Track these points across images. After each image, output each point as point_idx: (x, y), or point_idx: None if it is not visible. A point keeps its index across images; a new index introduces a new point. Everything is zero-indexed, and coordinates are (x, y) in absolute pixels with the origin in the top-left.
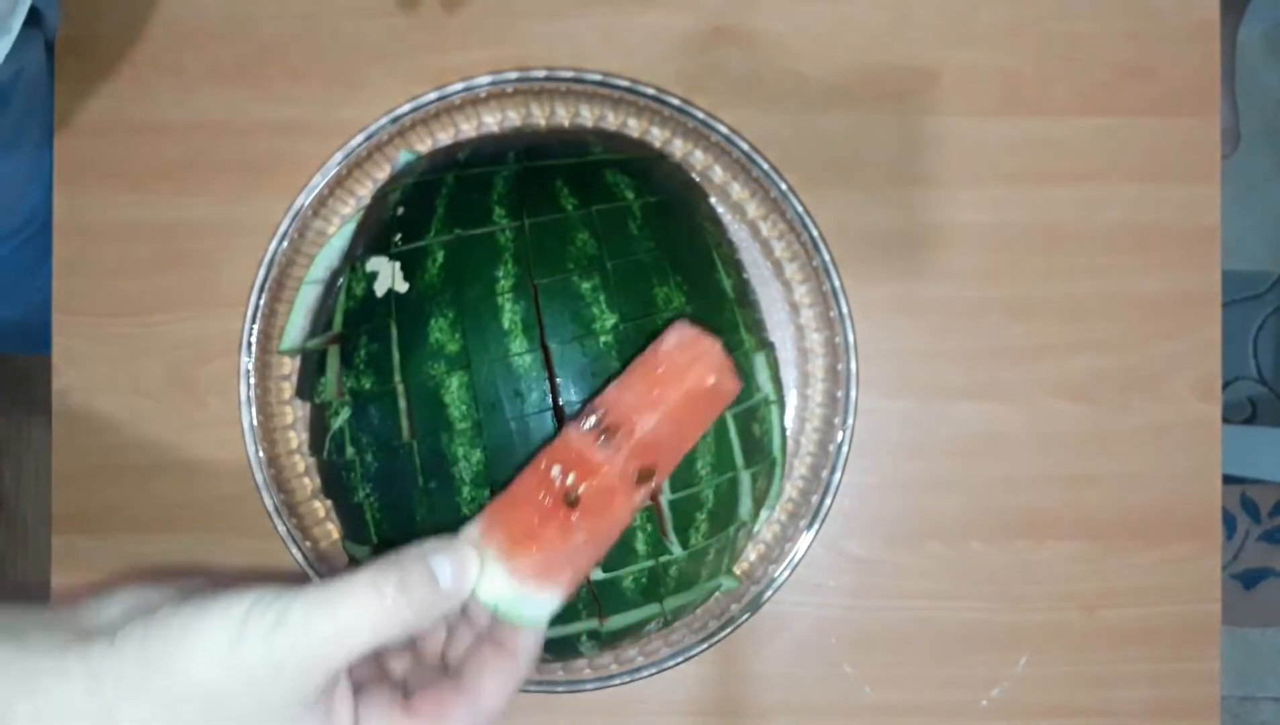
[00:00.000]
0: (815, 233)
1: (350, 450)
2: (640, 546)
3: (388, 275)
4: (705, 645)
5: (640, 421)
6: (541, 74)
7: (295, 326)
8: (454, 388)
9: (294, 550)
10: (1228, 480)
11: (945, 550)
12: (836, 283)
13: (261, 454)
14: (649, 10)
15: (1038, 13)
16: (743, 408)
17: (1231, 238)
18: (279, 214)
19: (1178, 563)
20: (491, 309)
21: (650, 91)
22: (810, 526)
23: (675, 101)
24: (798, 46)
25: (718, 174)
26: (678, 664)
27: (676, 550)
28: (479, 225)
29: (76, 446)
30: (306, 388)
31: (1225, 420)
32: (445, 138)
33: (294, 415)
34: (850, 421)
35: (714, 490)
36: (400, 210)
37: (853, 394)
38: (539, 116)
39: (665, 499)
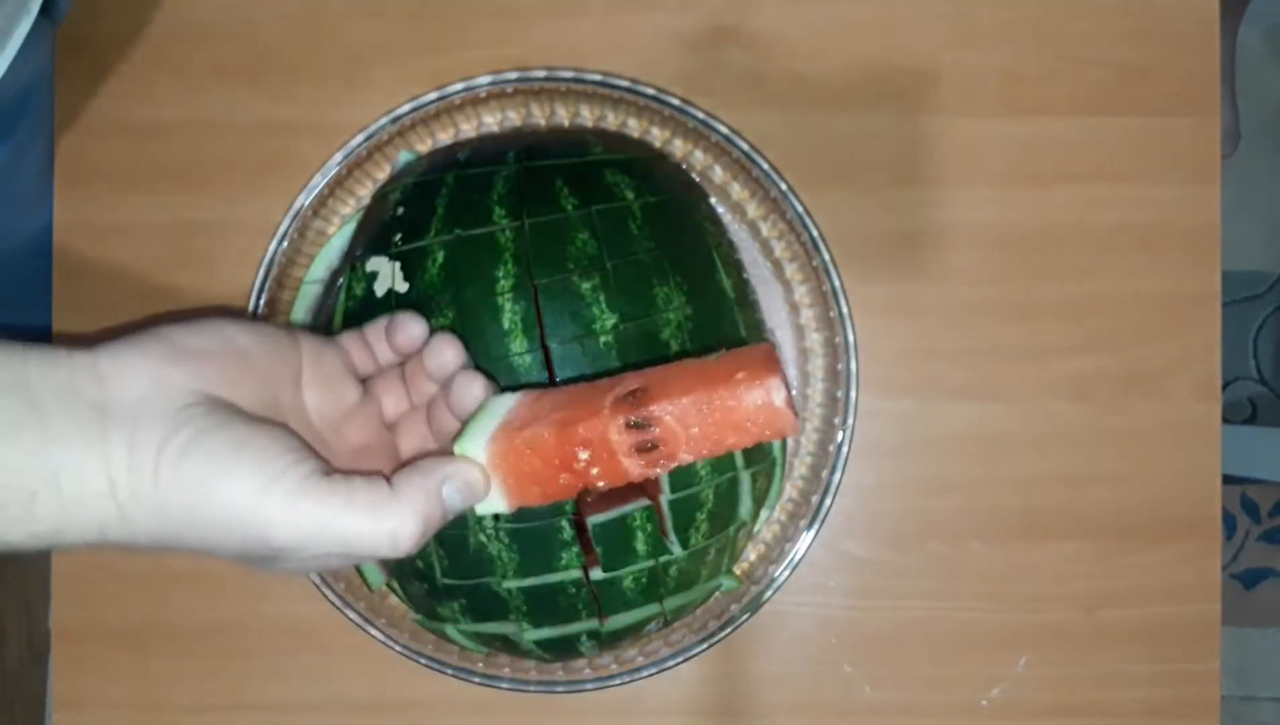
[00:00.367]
0: (815, 233)
1: None
2: (640, 546)
3: (388, 275)
4: (705, 645)
5: (682, 455)
6: (541, 74)
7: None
8: None
9: None
10: (1228, 480)
11: (945, 550)
12: (836, 283)
13: None
14: (649, 10)
15: (1038, 13)
16: None
17: (1231, 238)
18: (279, 214)
19: (1178, 563)
20: (491, 309)
21: (650, 91)
22: (810, 526)
23: (675, 101)
24: (798, 46)
25: (718, 174)
26: (678, 664)
27: (676, 550)
28: (479, 225)
29: None
30: None
31: (1225, 420)
32: (445, 138)
33: None
34: (850, 421)
35: (714, 490)
36: (400, 210)
37: (853, 394)
38: (539, 116)
39: (665, 499)
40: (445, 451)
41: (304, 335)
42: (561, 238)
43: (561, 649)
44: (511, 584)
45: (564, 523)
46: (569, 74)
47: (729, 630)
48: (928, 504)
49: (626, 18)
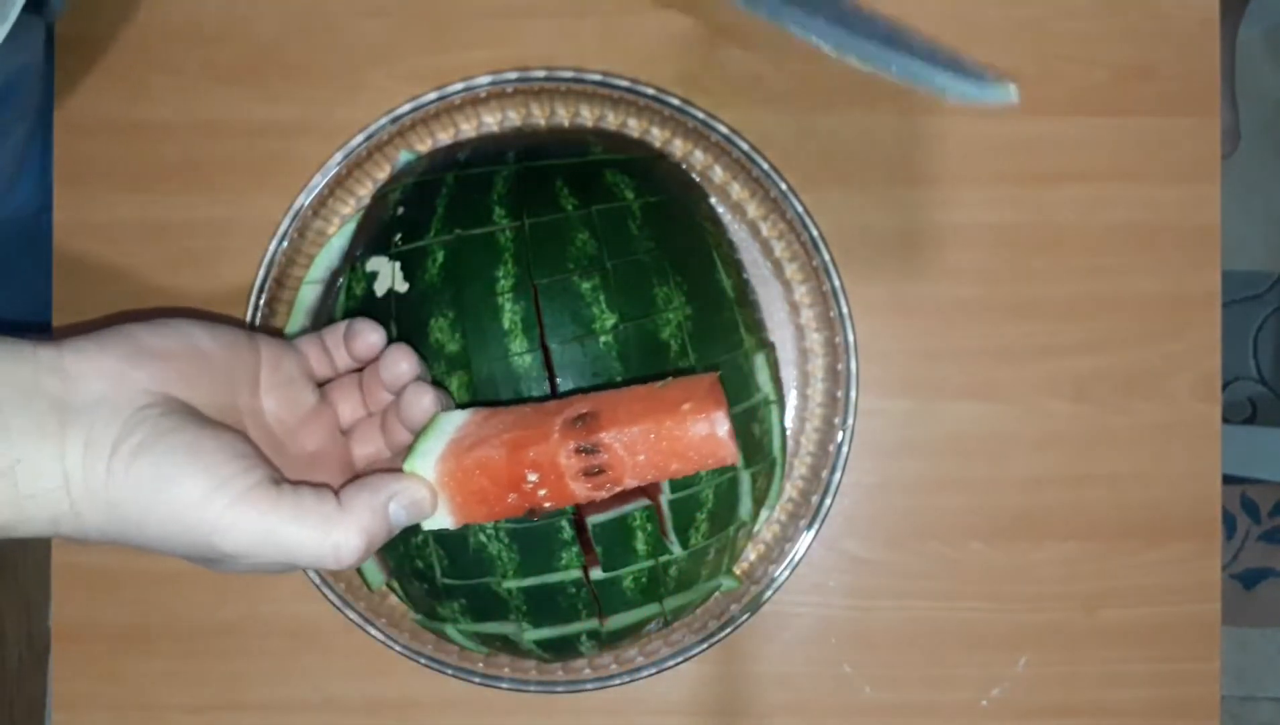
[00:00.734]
0: (815, 233)
1: None
2: (640, 546)
3: (388, 275)
4: (705, 645)
5: (628, 480)
6: (541, 74)
7: (295, 326)
8: (454, 388)
9: None
10: (1228, 480)
11: (945, 550)
12: (836, 283)
13: None
14: (649, 10)
15: (1038, 13)
16: (743, 408)
17: (1231, 238)
18: (279, 214)
19: (1178, 563)
20: (491, 309)
21: (650, 91)
22: (810, 526)
23: (675, 101)
24: (798, 46)
25: (718, 174)
26: (678, 664)
27: (676, 550)
28: (479, 225)
29: None
30: None
31: (1225, 420)
32: (445, 138)
33: None
34: (850, 421)
35: (714, 490)
36: (400, 210)
37: (853, 394)
38: (539, 116)
39: (665, 499)
40: (398, 460)
41: (263, 339)
42: (561, 238)
43: (561, 649)
44: (511, 584)
45: (564, 523)
46: (569, 74)
47: (729, 630)
48: (928, 504)
49: (626, 18)
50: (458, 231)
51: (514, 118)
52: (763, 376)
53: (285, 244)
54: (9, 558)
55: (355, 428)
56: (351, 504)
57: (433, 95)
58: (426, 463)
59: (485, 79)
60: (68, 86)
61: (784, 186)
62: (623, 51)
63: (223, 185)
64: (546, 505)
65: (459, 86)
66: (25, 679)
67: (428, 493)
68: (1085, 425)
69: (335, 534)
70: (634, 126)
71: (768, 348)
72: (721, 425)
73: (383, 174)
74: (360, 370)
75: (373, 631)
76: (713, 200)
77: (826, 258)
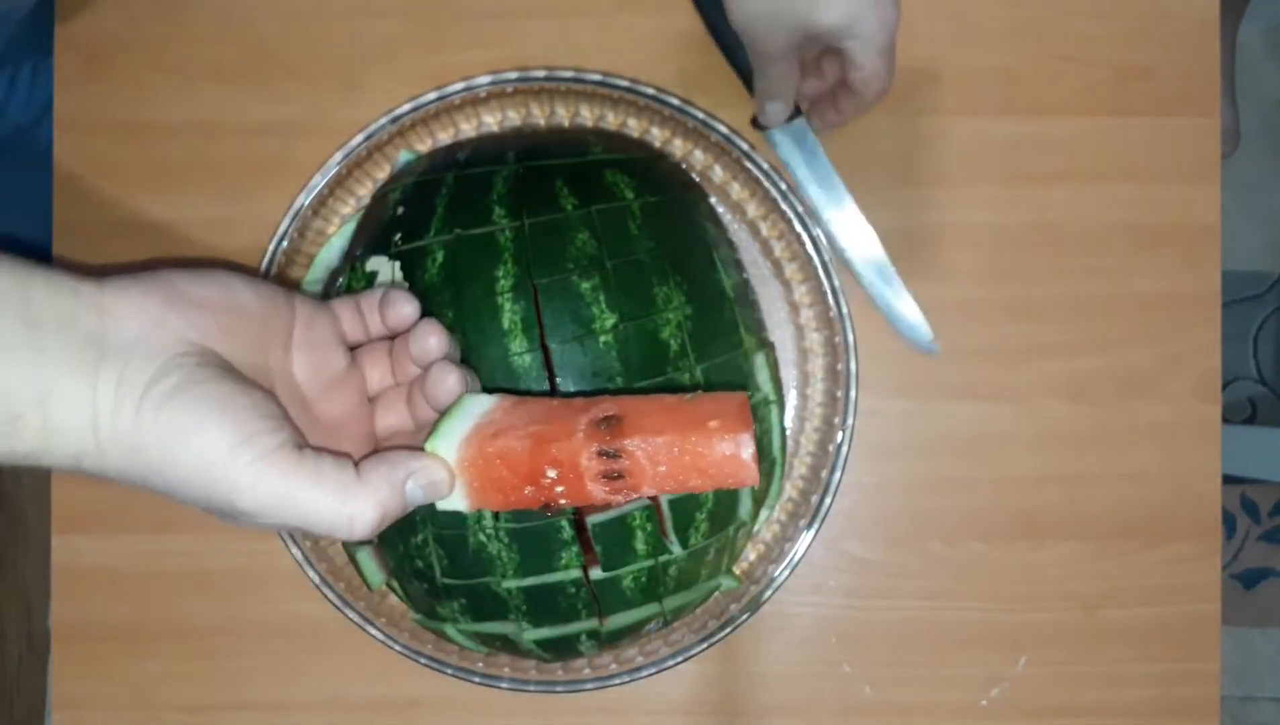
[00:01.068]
0: (815, 232)
1: None
2: (640, 546)
3: (388, 275)
4: (705, 645)
5: (646, 488)
6: (541, 74)
7: None
8: None
9: (293, 550)
10: (1228, 480)
11: (945, 550)
12: (836, 283)
13: None
14: (649, 10)
15: (1038, 13)
16: None
17: (1231, 238)
18: (279, 214)
19: (1178, 563)
20: (491, 309)
21: (650, 91)
22: (810, 526)
23: (675, 101)
24: None
25: (718, 174)
26: (678, 664)
27: (676, 550)
28: (479, 225)
29: None
30: None
31: (1225, 420)
32: (445, 138)
33: None
34: (850, 421)
35: (713, 490)
36: (400, 210)
37: (853, 394)
38: (539, 116)
39: (665, 499)
40: (420, 435)
41: (299, 297)
42: (561, 237)
43: (561, 649)
44: (511, 584)
45: (564, 522)
46: (569, 74)
47: (729, 630)
48: (928, 504)
49: (626, 18)
50: (457, 231)
51: (514, 118)
52: (763, 376)
53: (285, 244)
54: (9, 558)
55: (381, 396)
56: (370, 477)
57: (432, 95)
58: (449, 444)
59: (485, 79)
60: (68, 87)
61: (784, 186)
62: (622, 51)
63: (223, 185)
64: (562, 503)
65: (459, 86)
66: (25, 679)
67: (446, 475)
68: (1085, 425)
69: (351, 504)
70: (634, 126)
71: (768, 348)
72: (747, 448)
73: (383, 174)
74: (392, 338)
75: (373, 631)
76: (713, 200)
77: (826, 258)
